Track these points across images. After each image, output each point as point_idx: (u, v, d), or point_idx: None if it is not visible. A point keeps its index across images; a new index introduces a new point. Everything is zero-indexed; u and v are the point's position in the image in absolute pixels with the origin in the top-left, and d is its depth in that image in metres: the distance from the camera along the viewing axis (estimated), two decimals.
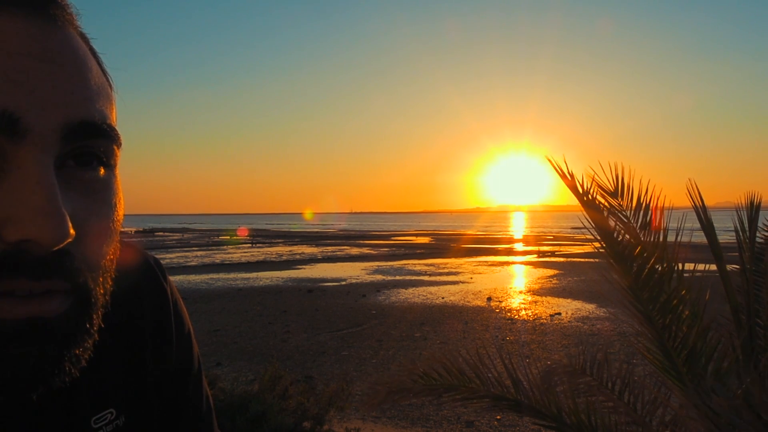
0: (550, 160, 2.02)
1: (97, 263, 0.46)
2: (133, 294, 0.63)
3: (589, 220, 1.99)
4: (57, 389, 0.43)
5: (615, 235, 1.97)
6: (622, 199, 2.03)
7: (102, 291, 0.46)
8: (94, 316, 0.45)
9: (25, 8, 0.42)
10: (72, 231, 0.41)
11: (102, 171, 0.46)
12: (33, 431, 0.52)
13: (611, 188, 2.04)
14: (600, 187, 2.03)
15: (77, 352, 0.43)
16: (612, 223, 2.00)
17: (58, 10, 0.44)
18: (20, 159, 0.40)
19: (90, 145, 0.45)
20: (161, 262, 0.72)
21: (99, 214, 0.46)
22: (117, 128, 0.47)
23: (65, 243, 0.40)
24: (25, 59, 0.41)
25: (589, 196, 2.01)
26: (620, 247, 1.92)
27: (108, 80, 0.50)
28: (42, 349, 0.41)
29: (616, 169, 2.04)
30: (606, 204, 2.03)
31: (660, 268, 1.90)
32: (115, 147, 0.47)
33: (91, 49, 0.49)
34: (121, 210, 0.49)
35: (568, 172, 2.02)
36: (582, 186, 2.02)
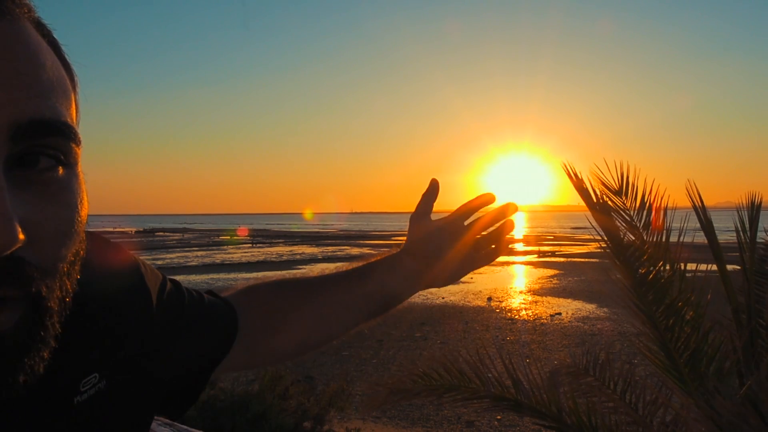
0: (566, 168, 2.01)
1: (53, 268, 0.43)
2: (106, 281, 0.60)
3: (597, 221, 1.98)
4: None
5: (621, 236, 1.95)
6: (626, 198, 2.01)
7: (59, 295, 0.44)
8: (49, 325, 0.43)
9: None
10: (21, 236, 0.38)
11: (61, 171, 0.44)
12: (24, 398, 0.49)
13: (616, 187, 2.02)
14: (605, 185, 2.01)
15: (30, 362, 0.41)
16: (617, 224, 1.98)
17: (11, 3, 0.42)
18: None
19: (43, 144, 0.42)
20: (159, 261, 0.69)
21: (56, 217, 0.43)
22: (74, 125, 0.45)
23: (14, 248, 0.38)
24: None
25: (598, 199, 1.99)
26: (626, 249, 1.91)
27: (70, 74, 0.48)
28: None
29: (620, 168, 2.01)
30: (610, 203, 2.02)
31: (664, 270, 1.89)
32: (74, 145, 0.44)
33: (51, 42, 0.46)
34: (84, 210, 0.46)
35: (577, 176, 2.01)
36: (593, 191, 2.00)
